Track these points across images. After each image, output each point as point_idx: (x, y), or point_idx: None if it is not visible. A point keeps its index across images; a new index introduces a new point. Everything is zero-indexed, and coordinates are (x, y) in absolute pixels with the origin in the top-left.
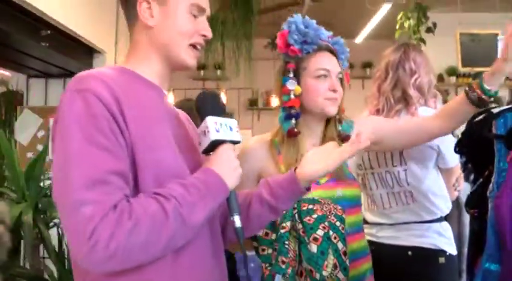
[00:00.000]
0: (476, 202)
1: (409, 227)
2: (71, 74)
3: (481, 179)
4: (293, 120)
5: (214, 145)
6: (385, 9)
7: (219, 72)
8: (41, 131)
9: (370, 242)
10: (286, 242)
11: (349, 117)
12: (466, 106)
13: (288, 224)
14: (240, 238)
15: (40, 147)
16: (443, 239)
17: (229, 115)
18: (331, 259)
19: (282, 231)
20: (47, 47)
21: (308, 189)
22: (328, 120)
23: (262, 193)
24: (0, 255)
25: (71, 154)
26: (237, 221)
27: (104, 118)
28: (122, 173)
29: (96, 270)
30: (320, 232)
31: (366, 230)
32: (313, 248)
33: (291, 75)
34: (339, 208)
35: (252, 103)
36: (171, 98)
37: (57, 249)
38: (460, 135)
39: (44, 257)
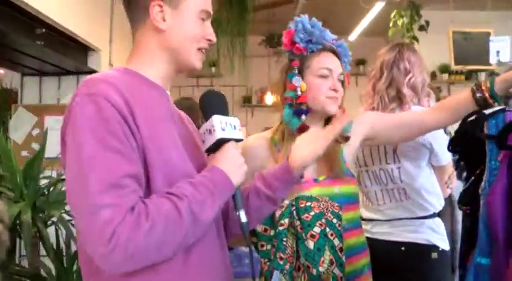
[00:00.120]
0: (469, 199)
1: (402, 223)
2: (65, 72)
3: (473, 177)
4: (303, 117)
5: (220, 143)
6: (378, 7)
7: (213, 69)
8: (35, 129)
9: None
10: (284, 239)
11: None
12: (470, 104)
13: (286, 221)
14: (246, 233)
15: (35, 145)
16: (436, 235)
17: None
18: (327, 255)
19: (280, 228)
20: (42, 46)
21: (301, 177)
22: (328, 120)
23: (258, 186)
24: (0, 254)
25: (85, 158)
26: (243, 216)
27: (116, 121)
28: (136, 176)
29: (114, 271)
30: (317, 229)
31: None
32: (310, 244)
33: (296, 72)
34: (336, 205)
35: (246, 100)
36: None
37: (55, 247)
38: (452, 133)
39: (39, 255)
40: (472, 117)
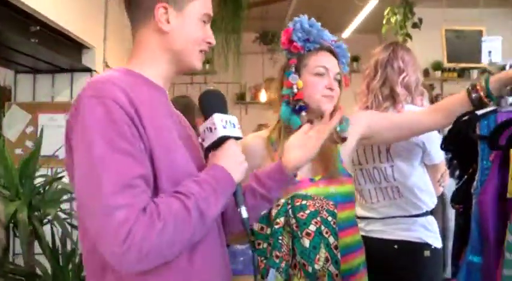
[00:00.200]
0: (461, 198)
1: (396, 221)
2: (59, 69)
3: (466, 177)
4: (303, 113)
5: (220, 141)
6: (372, 4)
7: (207, 66)
8: (29, 127)
9: None
10: (280, 238)
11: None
12: (465, 104)
13: (282, 220)
14: (247, 228)
15: (29, 143)
16: (429, 233)
17: None
18: (322, 253)
19: (276, 227)
20: (36, 43)
21: (295, 175)
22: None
23: (254, 186)
24: None
25: (97, 160)
26: (244, 212)
27: (125, 123)
28: (145, 177)
29: (129, 270)
30: (312, 227)
31: None
32: (306, 242)
33: (293, 70)
34: (331, 203)
35: (240, 97)
36: None
37: (50, 245)
38: (446, 132)
39: (34, 254)
40: (465, 118)
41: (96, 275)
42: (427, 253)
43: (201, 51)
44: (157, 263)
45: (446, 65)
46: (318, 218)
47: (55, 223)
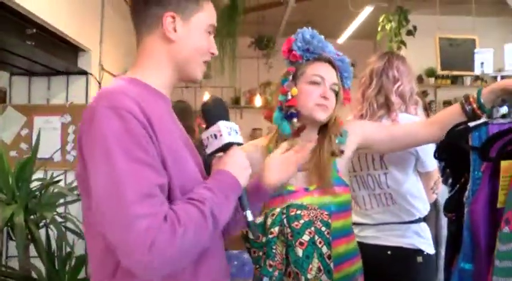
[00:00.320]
0: (454, 207)
1: (389, 228)
2: (55, 72)
3: (458, 186)
4: (295, 119)
5: (225, 147)
6: (367, 11)
7: None
8: (24, 129)
9: None
10: (274, 247)
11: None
12: (460, 116)
13: (276, 229)
14: (254, 231)
15: (24, 145)
16: (421, 239)
17: None
18: (315, 263)
19: (270, 236)
20: (32, 46)
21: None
22: (323, 128)
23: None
24: None
25: (117, 171)
26: (249, 215)
27: (141, 134)
28: (162, 185)
29: (153, 276)
30: (306, 237)
31: None
32: (299, 252)
33: (290, 78)
34: (326, 213)
35: (235, 102)
36: None
37: (46, 249)
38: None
39: (29, 257)
40: (458, 128)
41: None
42: (419, 259)
43: (204, 62)
44: (180, 267)
45: (440, 72)
46: (312, 228)
47: (51, 226)
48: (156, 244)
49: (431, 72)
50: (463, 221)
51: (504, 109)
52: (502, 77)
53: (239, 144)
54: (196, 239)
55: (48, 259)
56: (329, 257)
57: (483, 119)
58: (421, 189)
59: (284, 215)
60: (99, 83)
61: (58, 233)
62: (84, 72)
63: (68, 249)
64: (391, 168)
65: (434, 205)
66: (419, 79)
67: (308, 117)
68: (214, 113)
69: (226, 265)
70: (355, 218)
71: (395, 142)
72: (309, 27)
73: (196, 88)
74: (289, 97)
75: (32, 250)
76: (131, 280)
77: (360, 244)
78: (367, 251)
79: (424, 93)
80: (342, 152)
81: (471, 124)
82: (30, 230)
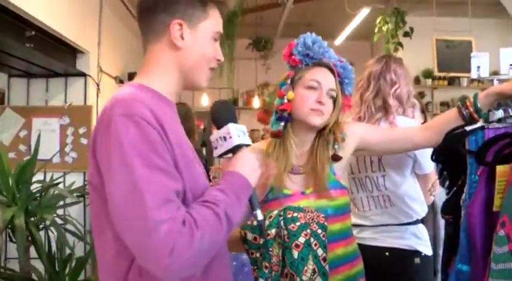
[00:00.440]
0: (451, 209)
1: (387, 229)
2: (54, 74)
3: (455, 188)
4: (282, 123)
5: (234, 149)
6: (364, 13)
7: None
8: (23, 131)
9: None
10: (270, 249)
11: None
12: (457, 121)
13: (273, 231)
14: (263, 230)
15: (22, 147)
16: (419, 240)
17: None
18: (310, 265)
19: (267, 238)
20: (31, 48)
21: None
22: (321, 132)
23: None
24: None
25: (136, 179)
26: (259, 214)
27: (156, 141)
28: (178, 191)
29: (173, 279)
30: (302, 239)
31: None
32: (295, 254)
33: (288, 82)
34: (322, 215)
35: (233, 103)
36: None
37: (46, 251)
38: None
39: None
40: (455, 132)
41: None
42: (417, 260)
43: (210, 69)
44: (197, 269)
45: (437, 73)
46: (308, 231)
47: (51, 228)
48: (176, 247)
49: (428, 74)
50: (460, 223)
51: (500, 113)
52: (498, 80)
53: (247, 145)
54: (213, 240)
55: (49, 261)
56: (324, 259)
57: (480, 124)
58: (418, 191)
59: (281, 218)
60: (98, 85)
61: (58, 235)
62: (82, 74)
63: (68, 251)
64: (389, 170)
65: (432, 206)
66: (417, 80)
67: (303, 122)
68: (223, 116)
69: (230, 269)
70: (353, 219)
71: (392, 145)
72: (312, 33)
73: (195, 90)
74: (285, 101)
75: (32, 252)
76: None
77: (358, 245)
78: (365, 252)
79: (421, 95)
80: (339, 158)
81: (468, 128)
82: (31, 232)
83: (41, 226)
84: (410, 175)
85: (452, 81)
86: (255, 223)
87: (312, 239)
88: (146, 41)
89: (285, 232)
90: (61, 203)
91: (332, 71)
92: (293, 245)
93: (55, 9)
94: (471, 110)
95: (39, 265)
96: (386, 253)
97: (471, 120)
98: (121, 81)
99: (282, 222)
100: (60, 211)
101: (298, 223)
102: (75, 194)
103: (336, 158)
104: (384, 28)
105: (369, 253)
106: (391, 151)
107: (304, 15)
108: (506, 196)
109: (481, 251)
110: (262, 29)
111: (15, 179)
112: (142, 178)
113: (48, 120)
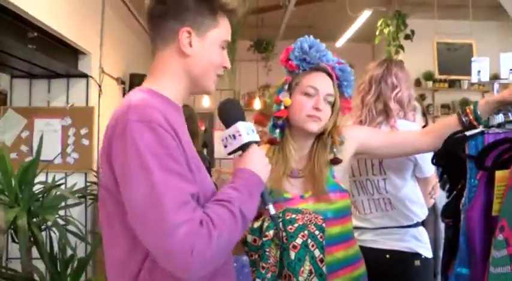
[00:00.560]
0: (451, 213)
1: (388, 232)
2: (55, 75)
3: (455, 192)
4: (278, 130)
5: (244, 146)
6: (365, 15)
7: None
8: (25, 131)
9: None
10: (267, 250)
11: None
12: (457, 127)
13: (271, 232)
14: (277, 223)
15: (24, 148)
16: (419, 243)
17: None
18: (307, 266)
19: (265, 239)
20: (33, 49)
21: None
22: (319, 136)
23: None
24: None
25: (154, 183)
26: (272, 209)
27: (172, 146)
28: (194, 194)
29: (192, 278)
30: (299, 241)
31: None
32: (292, 255)
33: (286, 87)
34: (320, 217)
35: None
36: None
37: (48, 251)
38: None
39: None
40: (455, 136)
41: None
42: (417, 262)
43: (217, 75)
44: (214, 268)
45: (438, 76)
46: (305, 232)
47: (53, 229)
48: (196, 248)
49: (429, 76)
50: (460, 227)
51: (500, 118)
52: (499, 84)
53: (257, 142)
54: (230, 238)
55: (51, 261)
56: (321, 260)
57: (480, 129)
58: (419, 194)
59: (280, 219)
60: (99, 86)
61: (60, 236)
62: (84, 75)
63: (70, 251)
64: (390, 173)
65: (433, 209)
66: (418, 83)
67: (300, 128)
68: (232, 114)
69: (233, 270)
70: (354, 222)
71: (392, 148)
72: (310, 35)
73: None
74: (282, 107)
75: (34, 253)
76: None
77: (360, 248)
78: (366, 254)
79: (422, 97)
80: (339, 161)
81: (468, 133)
82: (33, 233)
83: (43, 227)
84: (411, 178)
85: (453, 84)
86: (255, 225)
87: (309, 241)
88: (155, 46)
89: (284, 234)
90: (63, 204)
91: (330, 75)
92: (291, 246)
93: (57, 10)
94: (471, 117)
95: (41, 266)
96: (387, 255)
97: (471, 127)
98: (123, 83)
99: (280, 224)
100: (62, 212)
101: (296, 224)
102: (76, 195)
103: (335, 161)
104: (385, 31)
105: (370, 255)
106: (392, 154)
107: (305, 17)
108: (505, 201)
109: (480, 255)
110: (264, 31)
111: (18, 180)
112: (160, 182)
113: (50, 121)
